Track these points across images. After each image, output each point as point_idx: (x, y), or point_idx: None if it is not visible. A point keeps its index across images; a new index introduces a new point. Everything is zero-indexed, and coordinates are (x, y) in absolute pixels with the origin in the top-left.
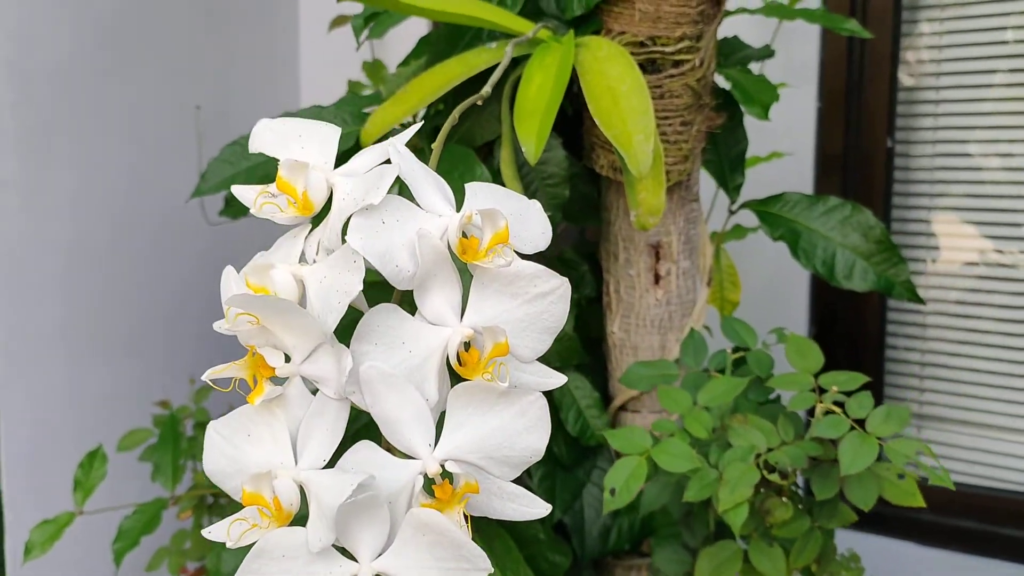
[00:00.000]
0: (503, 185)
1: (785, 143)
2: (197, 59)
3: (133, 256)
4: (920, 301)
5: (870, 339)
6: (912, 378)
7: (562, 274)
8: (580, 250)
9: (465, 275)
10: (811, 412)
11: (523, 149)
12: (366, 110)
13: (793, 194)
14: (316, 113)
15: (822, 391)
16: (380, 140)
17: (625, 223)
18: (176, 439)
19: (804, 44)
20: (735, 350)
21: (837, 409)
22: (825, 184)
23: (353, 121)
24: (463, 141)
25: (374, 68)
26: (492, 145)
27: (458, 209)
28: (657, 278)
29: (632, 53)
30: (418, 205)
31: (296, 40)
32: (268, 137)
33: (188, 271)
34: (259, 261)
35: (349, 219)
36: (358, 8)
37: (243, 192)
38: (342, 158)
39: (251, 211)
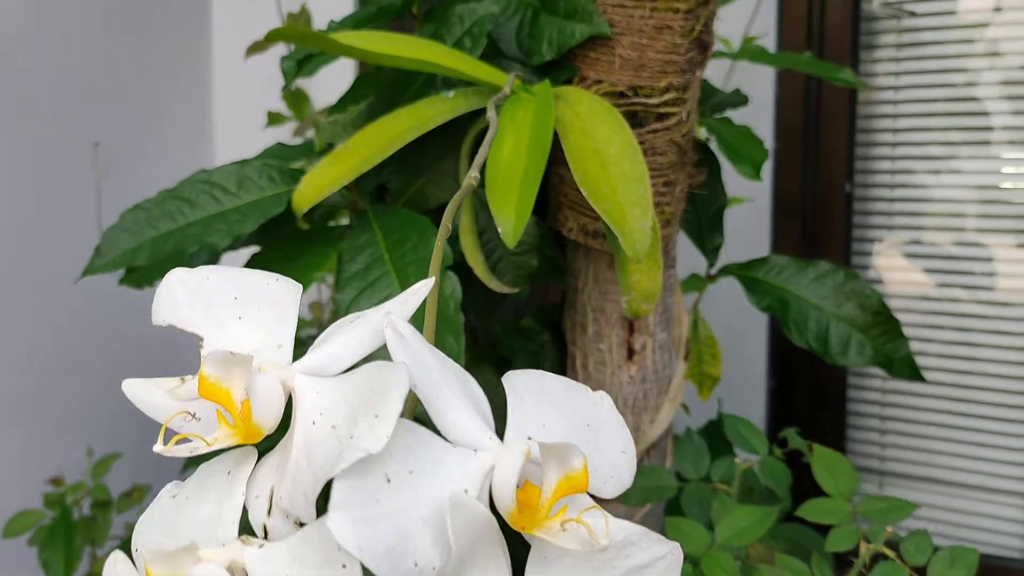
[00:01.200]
0: (462, 257)
1: (741, 186)
2: (95, 89)
3: (21, 307)
4: (922, 379)
5: (831, 393)
6: (873, 432)
7: (519, 346)
8: (541, 317)
9: None
10: (852, 550)
11: (499, 230)
12: (296, 165)
13: (779, 257)
14: (237, 171)
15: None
16: (317, 209)
17: (596, 291)
18: (69, 522)
19: (760, 81)
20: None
21: (891, 553)
22: (784, 229)
23: (282, 179)
24: (413, 203)
25: (296, 98)
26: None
27: None
28: (631, 353)
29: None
30: (436, 431)
31: (209, 65)
32: (182, 298)
33: (85, 325)
34: (168, 547)
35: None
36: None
37: (139, 393)
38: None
39: (156, 444)
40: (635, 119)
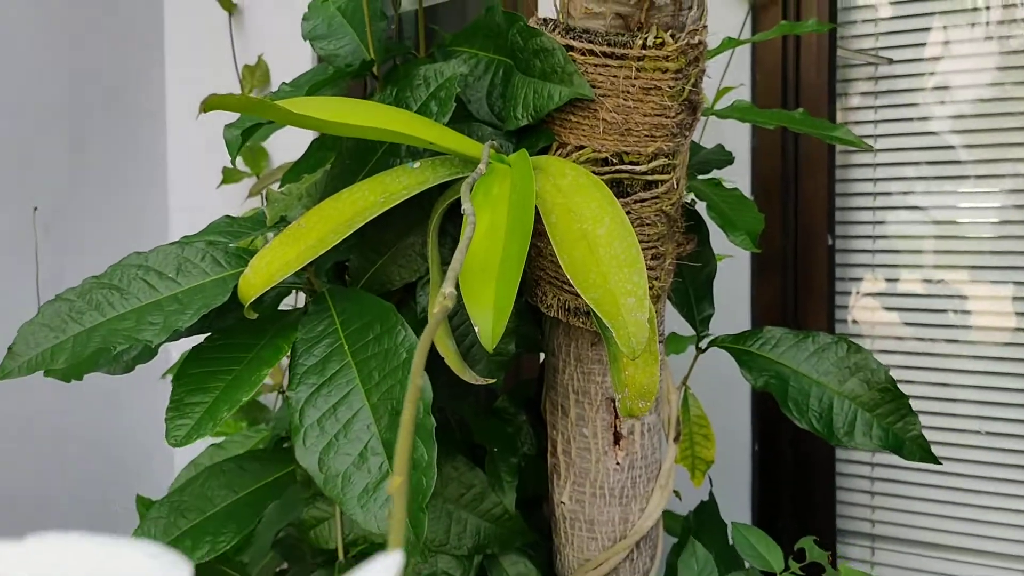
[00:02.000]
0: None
1: (718, 240)
2: (36, 148)
3: None
4: (936, 461)
5: (819, 457)
6: (863, 494)
7: (494, 430)
8: (516, 395)
9: None
10: None
11: (475, 328)
12: (244, 242)
13: (774, 329)
14: (176, 253)
15: None
16: (268, 295)
17: (578, 372)
18: None
19: (734, 130)
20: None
21: None
22: (764, 286)
23: (227, 262)
24: (375, 283)
25: (253, 154)
26: (413, 286)
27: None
28: (617, 437)
29: (593, 173)
30: None
31: (162, 119)
32: None
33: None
34: None
35: None
36: (231, 84)
37: None
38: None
39: None
40: (620, 188)
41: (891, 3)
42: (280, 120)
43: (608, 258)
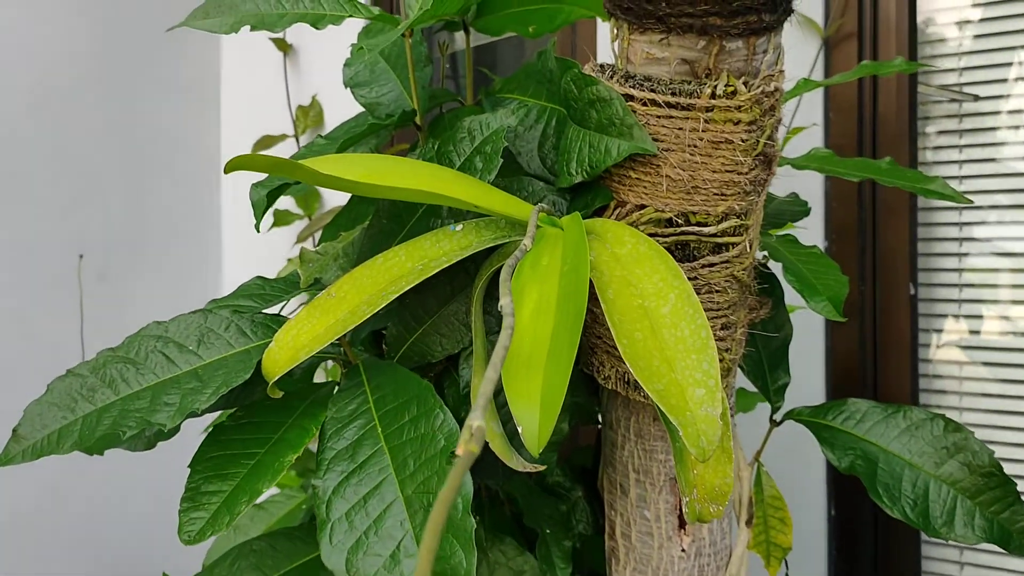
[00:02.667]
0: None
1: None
2: (90, 196)
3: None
4: None
5: (904, 543)
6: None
7: (547, 509)
8: (571, 467)
9: None
10: None
11: (519, 428)
12: (276, 309)
13: (859, 402)
14: (198, 323)
15: None
16: (296, 371)
17: (639, 449)
18: None
19: (808, 172)
20: None
21: None
22: (841, 339)
23: (253, 332)
24: (414, 354)
25: (305, 196)
26: (457, 359)
27: None
28: (682, 521)
29: (655, 235)
30: None
31: (216, 161)
32: None
33: None
34: None
35: None
36: (285, 124)
37: None
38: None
39: None
40: (686, 251)
41: (975, 36)
42: (308, 181)
43: (673, 341)
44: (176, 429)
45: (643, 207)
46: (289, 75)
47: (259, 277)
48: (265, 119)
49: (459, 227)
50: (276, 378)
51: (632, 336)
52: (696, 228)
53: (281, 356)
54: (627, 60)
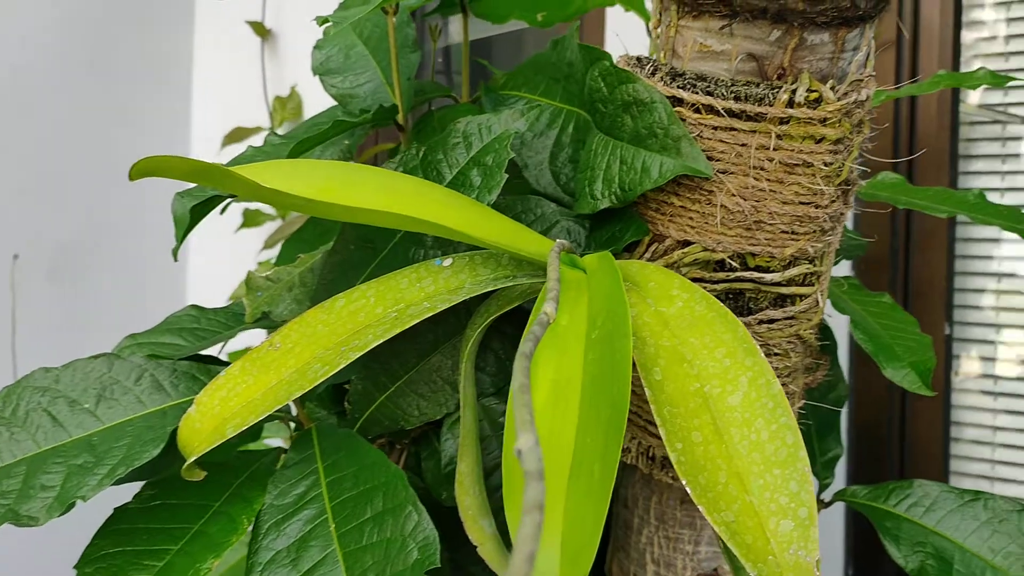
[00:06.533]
0: (456, 520)
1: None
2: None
3: None
4: None
5: None
6: None
7: None
8: None
9: None
10: None
11: None
12: (215, 350)
13: (928, 485)
14: (101, 371)
15: None
16: (218, 448)
17: (660, 536)
18: None
19: None
20: None
21: None
22: (866, 380)
23: (174, 385)
24: (383, 418)
25: None
26: (439, 426)
27: None
28: None
29: (700, 280)
30: None
31: (187, 151)
32: None
33: None
34: None
35: None
36: (261, 116)
37: None
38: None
39: None
40: (739, 302)
41: (1021, 52)
42: (244, 195)
43: (747, 448)
44: (72, 506)
45: (687, 244)
46: (267, 62)
47: (193, 306)
48: (239, 109)
49: (447, 261)
50: (195, 456)
51: (688, 438)
52: (755, 274)
53: (203, 426)
54: (672, 53)
